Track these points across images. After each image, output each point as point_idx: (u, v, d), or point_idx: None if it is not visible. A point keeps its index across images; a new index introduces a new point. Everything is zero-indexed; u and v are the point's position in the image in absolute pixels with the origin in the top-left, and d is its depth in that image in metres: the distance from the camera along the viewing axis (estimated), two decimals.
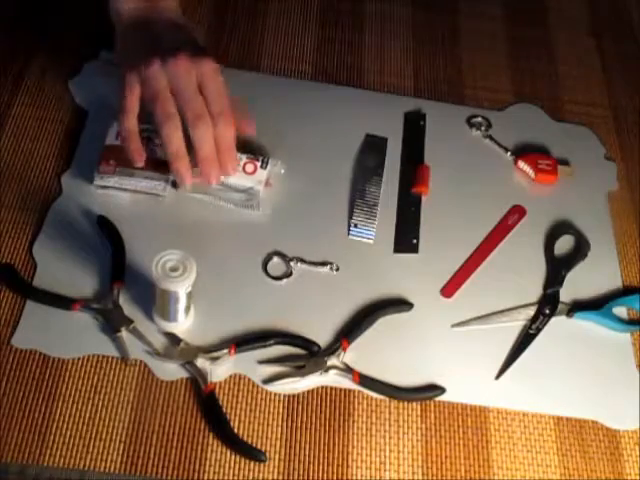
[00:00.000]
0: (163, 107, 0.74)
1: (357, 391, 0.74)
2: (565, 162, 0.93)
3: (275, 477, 0.69)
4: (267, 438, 0.71)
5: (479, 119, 0.96)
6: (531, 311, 0.81)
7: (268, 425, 0.71)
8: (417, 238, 0.85)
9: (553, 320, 0.81)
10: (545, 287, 0.83)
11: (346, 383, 0.74)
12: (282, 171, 0.86)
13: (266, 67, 0.97)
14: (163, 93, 0.75)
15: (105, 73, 0.90)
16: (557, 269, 0.84)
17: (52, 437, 0.68)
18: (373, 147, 0.91)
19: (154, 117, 0.75)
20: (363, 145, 0.91)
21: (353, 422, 0.73)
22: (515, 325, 0.80)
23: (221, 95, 0.76)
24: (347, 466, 0.70)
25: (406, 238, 0.85)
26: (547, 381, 0.77)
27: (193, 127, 0.74)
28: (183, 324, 0.74)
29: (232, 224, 0.83)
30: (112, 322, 0.73)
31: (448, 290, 0.82)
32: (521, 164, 0.92)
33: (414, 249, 0.84)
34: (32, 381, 0.70)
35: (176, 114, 0.75)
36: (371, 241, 0.84)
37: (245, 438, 0.70)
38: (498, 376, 0.77)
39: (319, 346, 0.75)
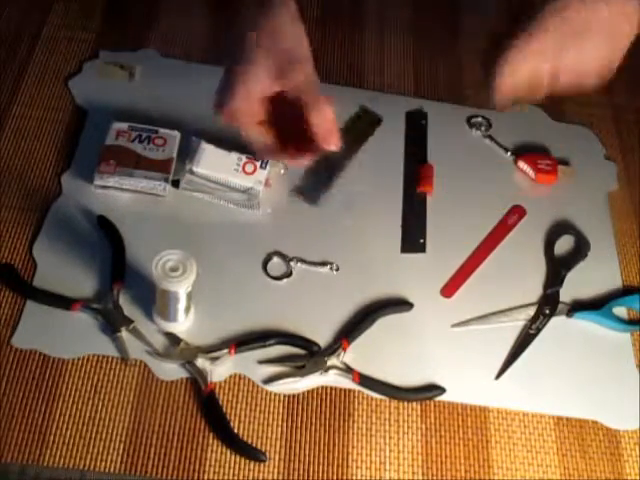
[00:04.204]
0: None
1: (357, 391, 0.74)
2: (565, 162, 0.93)
3: (275, 477, 0.69)
4: (267, 438, 0.71)
5: (479, 119, 0.96)
6: (531, 311, 0.81)
7: (268, 425, 0.71)
8: (424, 238, 0.85)
9: (553, 320, 0.81)
10: (545, 287, 0.83)
11: (346, 383, 0.74)
12: (282, 171, 0.86)
13: None
14: None
15: (105, 73, 0.90)
16: (557, 269, 0.84)
17: (52, 437, 0.68)
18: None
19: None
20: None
21: (353, 422, 0.73)
22: (515, 325, 0.80)
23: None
24: (347, 466, 0.70)
25: (413, 238, 0.85)
26: (547, 381, 0.77)
27: None
28: (183, 324, 0.74)
29: (232, 224, 0.83)
30: (112, 322, 0.73)
31: (448, 290, 0.82)
32: (521, 164, 0.92)
33: (421, 249, 0.84)
34: (32, 381, 0.70)
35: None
36: None
37: (245, 438, 0.70)
38: (498, 376, 0.77)
39: (319, 346, 0.75)
